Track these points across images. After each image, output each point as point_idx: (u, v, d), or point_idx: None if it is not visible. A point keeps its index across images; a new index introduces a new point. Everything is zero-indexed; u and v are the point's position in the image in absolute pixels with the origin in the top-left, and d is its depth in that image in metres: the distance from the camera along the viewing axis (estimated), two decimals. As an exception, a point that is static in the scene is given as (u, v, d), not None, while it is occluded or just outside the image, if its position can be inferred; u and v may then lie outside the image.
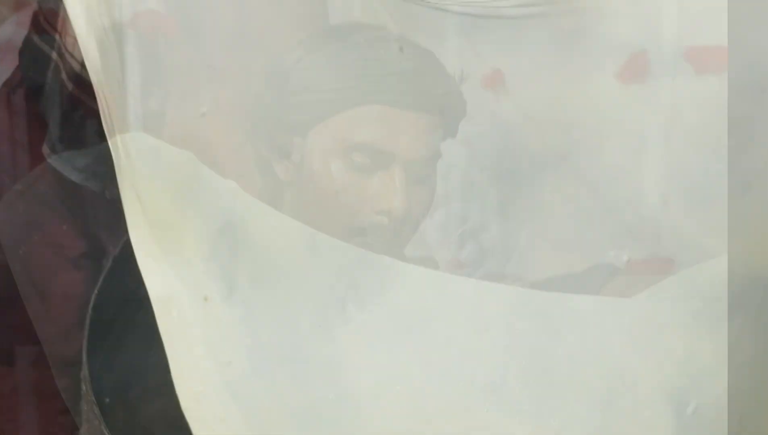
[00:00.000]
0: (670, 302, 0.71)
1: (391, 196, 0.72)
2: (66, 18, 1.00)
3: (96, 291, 0.85)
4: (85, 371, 0.80)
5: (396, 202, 0.72)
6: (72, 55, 1.04)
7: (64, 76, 1.06)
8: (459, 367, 0.72)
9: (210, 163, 0.71)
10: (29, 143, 1.11)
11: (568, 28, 0.71)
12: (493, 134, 0.72)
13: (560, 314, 0.72)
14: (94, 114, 1.03)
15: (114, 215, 0.96)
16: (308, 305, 0.72)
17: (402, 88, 0.72)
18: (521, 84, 0.73)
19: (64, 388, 0.96)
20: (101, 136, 1.00)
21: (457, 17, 0.71)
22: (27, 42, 1.09)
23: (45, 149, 1.09)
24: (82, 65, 1.00)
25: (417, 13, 0.70)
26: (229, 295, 0.72)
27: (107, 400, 0.80)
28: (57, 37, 1.06)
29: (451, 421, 0.72)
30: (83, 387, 0.80)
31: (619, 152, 0.71)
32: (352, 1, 0.74)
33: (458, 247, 0.73)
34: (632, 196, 0.72)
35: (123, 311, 0.86)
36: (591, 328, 0.71)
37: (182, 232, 0.72)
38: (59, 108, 1.08)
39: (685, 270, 0.71)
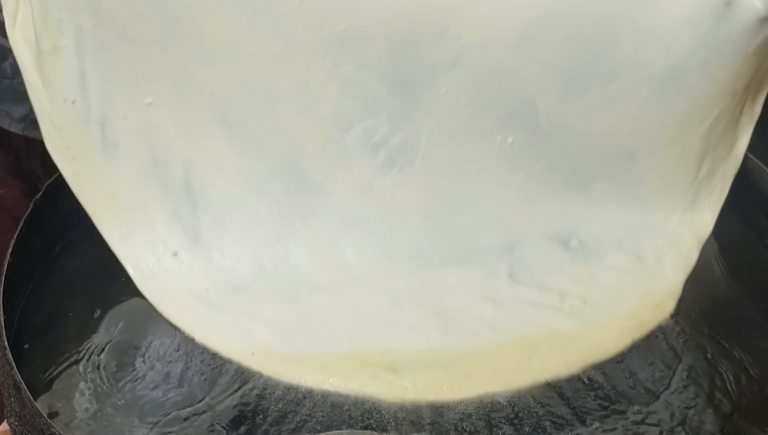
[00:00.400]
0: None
1: None
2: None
3: (16, 236, 0.83)
4: None
5: None
6: None
7: None
8: (384, 239, 0.89)
9: (164, 143, 0.82)
10: None
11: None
12: (389, 52, 0.81)
13: (461, 192, 0.88)
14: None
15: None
16: (264, 235, 0.87)
17: None
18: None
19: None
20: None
21: None
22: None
23: None
24: None
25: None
26: (194, 246, 0.86)
27: (26, 345, 0.80)
28: None
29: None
30: (-2, 332, 0.79)
31: (502, 52, 0.81)
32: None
33: (373, 155, 0.85)
34: (514, 87, 0.83)
35: (45, 255, 0.88)
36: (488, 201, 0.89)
37: (146, 211, 0.84)
38: None
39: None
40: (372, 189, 0.87)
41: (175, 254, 0.86)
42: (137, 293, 0.85)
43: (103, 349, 0.81)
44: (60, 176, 0.86)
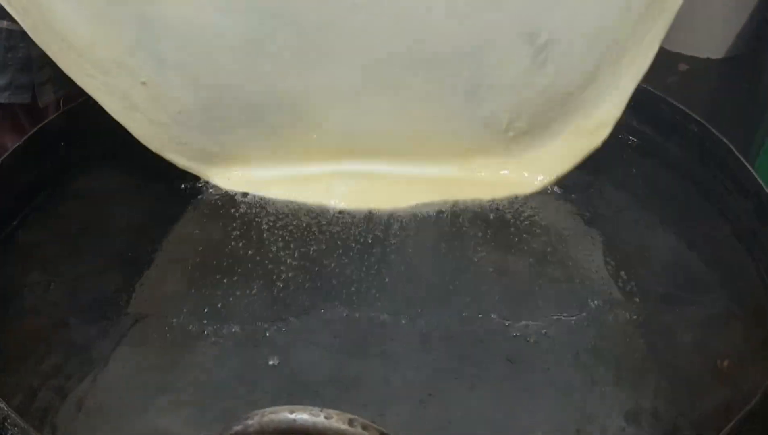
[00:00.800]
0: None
1: None
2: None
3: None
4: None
5: None
6: None
7: None
8: (351, 51, 0.89)
9: None
10: None
11: None
12: None
13: None
14: (-1, 32, 1.02)
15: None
16: (231, 57, 0.88)
17: None
18: None
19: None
20: (14, 51, 1.03)
21: None
22: None
23: None
24: None
25: None
26: (161, 72, 0.87)
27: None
28: None
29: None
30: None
31: None
32: None
33: None
34: None
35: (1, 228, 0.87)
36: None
37: (108, 46, 0.85)
38: None
39: None
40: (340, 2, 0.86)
41: (144, 84, 0.88)
42: (94, 267, 0.86)
43: (57, 323, 0.81)
44: (16, 149, 0.86)
